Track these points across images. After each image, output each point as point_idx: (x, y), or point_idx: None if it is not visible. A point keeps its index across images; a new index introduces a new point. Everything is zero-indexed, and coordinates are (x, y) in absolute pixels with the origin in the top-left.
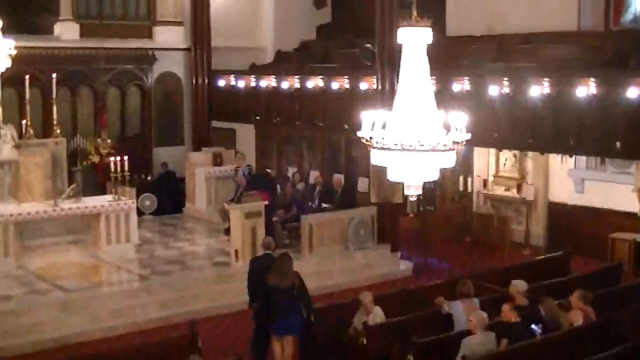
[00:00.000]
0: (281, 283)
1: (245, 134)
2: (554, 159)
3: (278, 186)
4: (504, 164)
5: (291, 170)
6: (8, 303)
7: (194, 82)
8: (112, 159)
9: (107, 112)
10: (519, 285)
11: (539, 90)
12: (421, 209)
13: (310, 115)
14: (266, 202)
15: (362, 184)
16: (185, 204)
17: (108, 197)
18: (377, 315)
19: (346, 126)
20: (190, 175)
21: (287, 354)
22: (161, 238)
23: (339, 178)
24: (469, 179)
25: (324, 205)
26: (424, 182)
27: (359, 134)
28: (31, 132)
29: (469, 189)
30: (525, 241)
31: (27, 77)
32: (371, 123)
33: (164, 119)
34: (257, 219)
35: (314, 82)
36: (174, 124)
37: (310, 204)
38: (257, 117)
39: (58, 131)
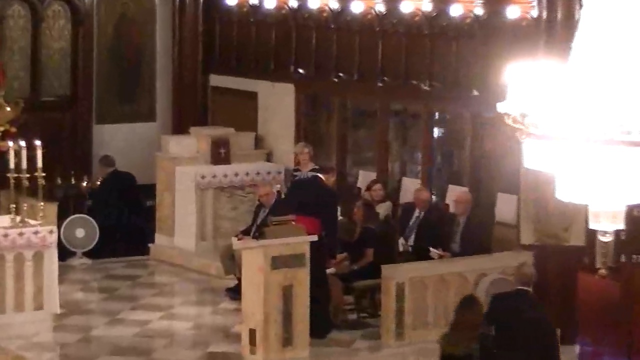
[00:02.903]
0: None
1: (277, 103)
2: None
3: (339, 208)
4: None
5: (364, 177)
6: None
7: (176, 0)
8: (10, 143)
9: (5, 55)
10: None
11: None
12: (622, 259)
13: (405, 70)
14: (314, 237)
15: (503, 208)
16: (155, 239)
17: (3, 220)
18: None
19: (475, 92)
20: (166, 181)
21: None
22: (106, 303)
23: (461, 195)
24: None
25: (430, 249)
26: (630, 207)
27: (499, 108)
28: None
29: None
30: None
31: None
32: (525, 88)
33: (117, 70)
34: (296, 269)
35: (413, 3)
36: (135, 80)
37: (401, 243)
38: (301, 71)
39: None
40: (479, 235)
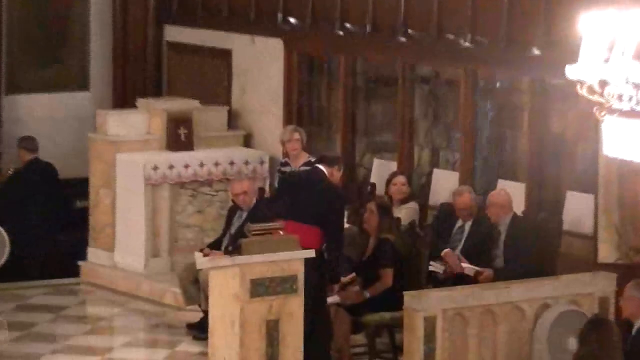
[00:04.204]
0: None
1: (259, 65)
2: None
3: (346, 212)
4: None
5: (381, 167)
6: None
7: None
8: None
9: None
10: None
11: None
12: None
13: (437, 21)
14: (311, 252)
15: (574, 212)
16: (88, 255)
17: None
18: None
19: (535, 50)
20: (103, 174)
21: None
22: (19, 344)
23: (493, 196)
24: None
25: (466, 266)
26: None
27: (569, 73)
28: None
29: None
30: None
31: None
32: (605, 46)
33: (36, 21)
34: (286, 298)
35: None
36: (61, 35)
37: (434, 265)
38: (292, 21)
39: None
40: (526, 246)
